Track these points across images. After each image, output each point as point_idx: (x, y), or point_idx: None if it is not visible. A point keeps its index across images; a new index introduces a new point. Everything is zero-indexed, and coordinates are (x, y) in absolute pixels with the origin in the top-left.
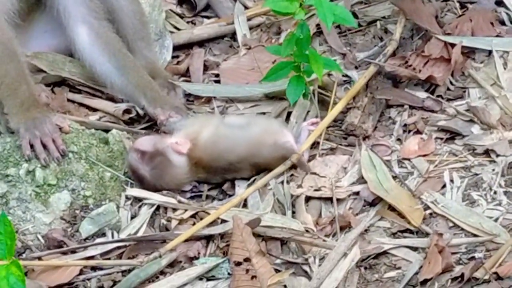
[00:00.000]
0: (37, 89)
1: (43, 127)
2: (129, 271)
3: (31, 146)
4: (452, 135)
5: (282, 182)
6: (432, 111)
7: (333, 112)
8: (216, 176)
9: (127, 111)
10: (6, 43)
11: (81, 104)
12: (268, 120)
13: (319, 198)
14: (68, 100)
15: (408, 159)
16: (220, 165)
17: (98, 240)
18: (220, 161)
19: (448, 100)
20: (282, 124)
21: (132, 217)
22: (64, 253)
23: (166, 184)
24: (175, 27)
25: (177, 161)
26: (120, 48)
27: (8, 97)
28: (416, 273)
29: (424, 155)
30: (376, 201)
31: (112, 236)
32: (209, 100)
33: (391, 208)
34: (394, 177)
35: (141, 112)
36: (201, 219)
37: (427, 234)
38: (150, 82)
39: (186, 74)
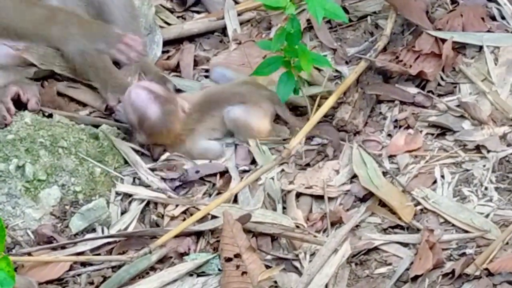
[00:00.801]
0: (28, 92)
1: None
2: (119, 267)
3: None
4: (443, 130)
5: (272, 178)
6: (423, 107)
7: (323, 108)
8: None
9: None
10: None
11: (71, 99)
12: None
13: (311, 196)
14: (58, 94)
15: (397, 155)
16: None
17: (88, 235)
18: None
19: (439, 95)
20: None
21: (122, 213)
22: (54, 248)
23: (166, 133)
24: (165, 22)
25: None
26: None
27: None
28: (407, 269)
29: (411, 151)
30: (367, 196)
31: (102, 232)
32: None
33: (382, 204)
34: (385, 173)
35: None
36: (191, 214)
37: (418, 230)
38: (105, 62)
39: (176, 69)
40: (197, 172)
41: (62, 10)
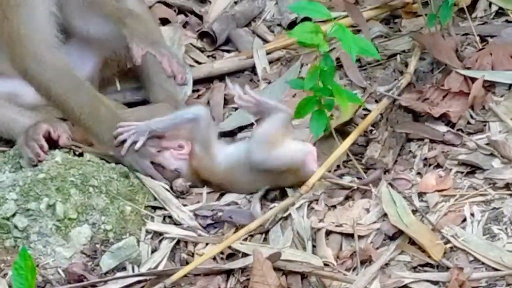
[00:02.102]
0: (58, 129)
1: (147, 149)
2: None
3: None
4: (473, 169)
5: (302, 216)
6: (453, 145)
7: (345, 144)
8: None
9: None
10: (69, 72)
11: None
12: (293, 153)
13: (340, 234)
14: None
15: (427, 193)
16: (234, 191)
17: (119, 274)
18: (235, 190)
19: (469, 134)
20: (305, 148)
21: (153, 251)
22: (85, 287)
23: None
24: (196, 61)
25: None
26: None
27: (94, 126)
28: None
29: (441, 190)
30: (397, 235)
31: (133, 270)
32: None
33: (412, 242)
34: (415, 211)
35: None
36: (222, 253)
37: (447, 268)
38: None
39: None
40: (230, 217)
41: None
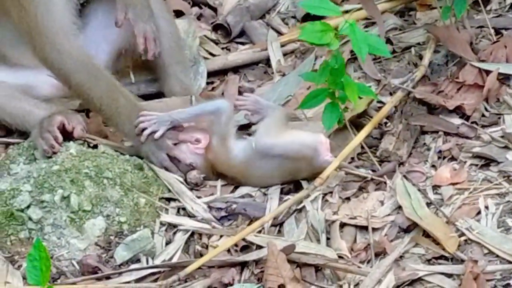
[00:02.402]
0: (73, 120)
1: (164, 140)
2: None
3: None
4: (487, 161)
5: (316, 209)
6: (467, 138)
7: (360, 136)
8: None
9: None
10: (88, 61)
11: None
12: (303, 141)
13: (355, 226)
14: (104, 124)
15: (441, 186)
16: (249, 184)
17: (133, 266)
18: (250, 183)
19: (483, 126)
20: (315, 137)
21: (167, 243)
22: (99, 279)
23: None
24: (210, 53)
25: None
26: None
27: (113, 115)
28: None
29: (456, 183)
30: (411, 227)
31: (147, 262)
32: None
33: (426, 235)
34: (429, 204)
35: None
36: (236, 245)
37: (462, 261)
38: None
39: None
40: (245, 210)
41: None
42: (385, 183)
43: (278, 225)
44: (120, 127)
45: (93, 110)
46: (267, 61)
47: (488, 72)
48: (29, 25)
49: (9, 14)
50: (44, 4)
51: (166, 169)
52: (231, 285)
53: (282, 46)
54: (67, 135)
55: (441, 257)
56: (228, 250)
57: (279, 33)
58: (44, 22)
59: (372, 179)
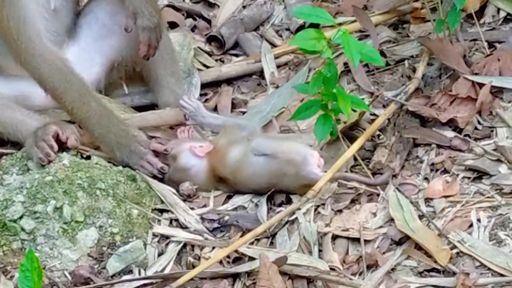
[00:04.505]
0: (67, 131)
1: (137, 147)
2: None
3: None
4: (480, 174)
5: (309, 221)
6: (460, 150)
7: (353, 148)
8: (233, 190)
9: None
10: (61, 66)
11: None
12: (295, 147)
13: (347, 238)
14: None
15: (433, 199)
16: (239, 187)
17: (125, 277)
18: (240, 185)
19: (476, 139)
20: (308, 149)
21: (159, 255)
22: None
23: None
24: (204, 65)
25: (194, 165)
26: None
27: (84, 120)
28: None
29: (448, 196)
30: (403, 240)
31: (139, 273)
32: None
33: (418, 247)
34: (421, 216)
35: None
36: (228, 257)
37: (453, 274)
38: None
39: (214, 112)
40: (237, 221)
41: (108, 116)
42: (378, 195)
43: (270, 237)
44: (91, 131)
45: (67, 113)
46: (261, 73)
47: (481, 85)
48: (4, 31)
49: None
50: (15, 9)
51: (142, 167)
52: None
53: (275, 58)
54: (61, 145)
55: (433, 269)
56: (220, 262)
57: (273, 45)
58: (15, 26)
59: (364, 191)
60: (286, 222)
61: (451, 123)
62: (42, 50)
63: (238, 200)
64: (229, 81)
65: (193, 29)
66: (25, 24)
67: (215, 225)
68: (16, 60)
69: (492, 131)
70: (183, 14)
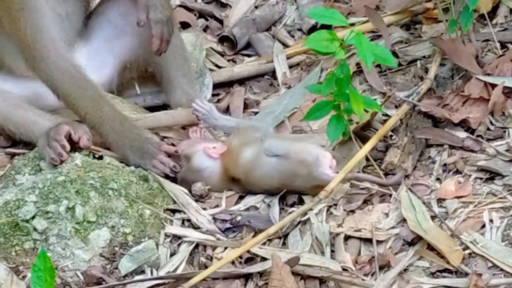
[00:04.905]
0: (79, 131)
1: (149, 148)
2: None
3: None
4: (492, 175)
5: (321, 221)
6: (472, 151)
7: (364, 149)
8: (245, 190)
9: None
10: (74, 72)
11: None
12: (307, 148)
13: (359, 239)
14: None
15: (446, 199)
16: (252, 187)
17: (137, 277)
18: (252, 186)
19: (488, 140)
20: (320, 150)
21: (172, 255)
22: None
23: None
24: (216, 65)
25: (208, 166)
26: None
27: (98, 125)
28: None
29: (461, 196)
30: (416, 240)
31: (151, 274)
32: None
33: (431, 248)
34: (434, 217)
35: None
36: (240, 257)
37: (466, 274)
38: None
39: (226, 112)
40: (249, 222)
41: (121, 120)
42: (390, 195)
43: (282, 237)
44: (104, 136)
45: (79, 119)
46: (273, 73)
47: (493, 86)
48: (19, 37)
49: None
50: (32, 17)
51: (154, 167)
52: None
53: (288, 58)
54: (73, 145)
55: (445, 270)
56: (233, 262)
57: (285, 45)
58: (32, 34)
59: (376, 192)
60: (298, 223)
61: (464, 124)
62: (56, 57)
63: (250, 200)
64: (241, 81)
65: (205, 29)
66: (42, 33)
67: (227, 225)
68: (29, 67)
69: (504, 131)
70: (195, 15)
